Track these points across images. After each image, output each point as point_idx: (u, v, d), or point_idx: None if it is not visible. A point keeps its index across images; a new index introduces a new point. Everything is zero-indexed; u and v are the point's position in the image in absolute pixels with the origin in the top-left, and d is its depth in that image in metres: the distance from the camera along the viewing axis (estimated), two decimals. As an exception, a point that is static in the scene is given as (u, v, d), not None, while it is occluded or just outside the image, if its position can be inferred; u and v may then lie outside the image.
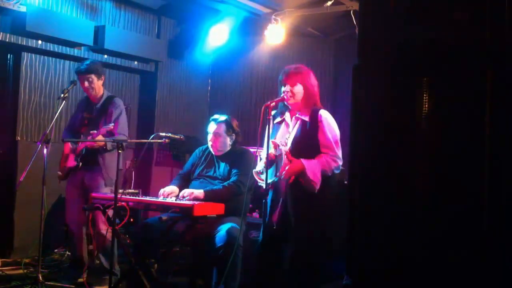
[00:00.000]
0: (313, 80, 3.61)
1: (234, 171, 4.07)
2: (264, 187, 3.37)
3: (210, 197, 3.86)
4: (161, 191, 4.03)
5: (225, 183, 4.00)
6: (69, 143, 4.55)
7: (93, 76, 4.56)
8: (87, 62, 4.65)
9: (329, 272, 3.75)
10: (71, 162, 4.53)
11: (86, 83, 4.56)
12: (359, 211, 2.10)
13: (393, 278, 2.01)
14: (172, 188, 4.09)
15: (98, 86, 4.62)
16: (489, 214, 1.84)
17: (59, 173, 4.62)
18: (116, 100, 4.66)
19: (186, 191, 3.89)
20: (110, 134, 4.37)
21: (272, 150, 3.48)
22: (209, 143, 4.21)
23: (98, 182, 4.48)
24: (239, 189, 3.94)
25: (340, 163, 3.47)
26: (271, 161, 3.48)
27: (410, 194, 1.99)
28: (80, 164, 4.50)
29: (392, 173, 2.03)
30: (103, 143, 4.37)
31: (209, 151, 4.26)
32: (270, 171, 3.46)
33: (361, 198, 2.10)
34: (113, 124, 4.32)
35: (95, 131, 4.30)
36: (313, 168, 3.37)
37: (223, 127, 4.15)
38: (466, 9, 1.90)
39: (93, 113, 4.63)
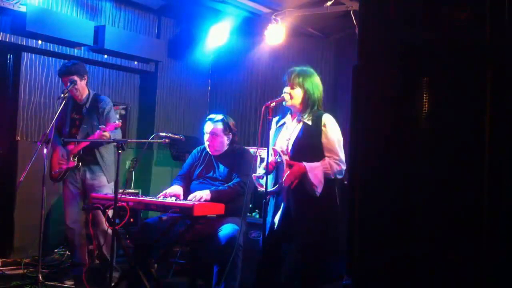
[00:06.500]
0: (316, 84, 3.54)
1: (235, 172, 4.06)
2: (264, 192, 3.33)
3: (216, 197, 3.85)
4: (165, 192, 3.98)
5: (230, 184, 4.00)
6: (59, 147, 4.51)
7: (75, 77, 4.51)
8: (68, 63, 4.63)
9: (329, 272, 3.74)
10: (71, 163, 4.50)
11: (70, 85, 4.50)
12: (359, 211, 2.10)
13: (393, 278, 2.01)
14: (175, 189, 4.06)
15: (81, 86, 4.58)
16: (489, 214, 1.84)
17: (55, 173, 4.57)
18: (103, 97, 4.69)
19: (195, 197, 3.85)
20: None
21: (272, 158, 3.45)
22: (206, 143, 4.18)
23: (101, 181, 4.49)
24: (243, 190, 3.94)
25: (344, 167, 3.42)
26: (271, 168, 3.45)
27: (410, 194, 1.99)
28: (80, 164, 4.50)
29: (392, 173, 2.03)
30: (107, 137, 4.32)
31: (207, 152, 4.24)
32: (270, 177, 3.43)
33: (361, 198, 2.10)
34: (119, 120, 4.30)
35: (103, 126, 4.28)
36: (315, 170, 3.34)
37: (220, 126, 4.13)
38: (466, 9, 1.90)
39: (82, 114, 4.60)
